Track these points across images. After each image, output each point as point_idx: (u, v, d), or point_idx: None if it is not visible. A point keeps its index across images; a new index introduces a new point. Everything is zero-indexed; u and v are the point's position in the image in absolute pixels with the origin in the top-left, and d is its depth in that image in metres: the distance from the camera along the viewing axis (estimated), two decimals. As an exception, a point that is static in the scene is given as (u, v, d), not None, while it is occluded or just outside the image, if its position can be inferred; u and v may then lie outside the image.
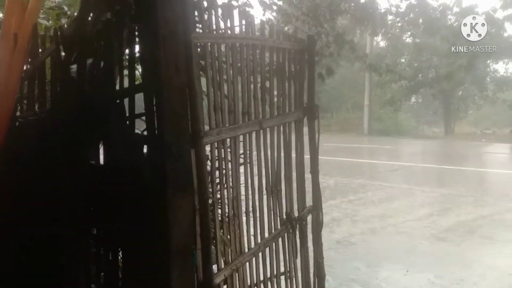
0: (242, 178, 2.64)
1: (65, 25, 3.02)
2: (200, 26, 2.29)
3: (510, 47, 20.06)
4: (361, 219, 7.41)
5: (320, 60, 6.64)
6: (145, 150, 2.12)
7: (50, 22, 3.29)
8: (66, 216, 2.35)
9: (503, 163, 14.45)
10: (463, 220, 7.20)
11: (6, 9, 2.67)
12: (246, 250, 2.63)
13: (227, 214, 2.50)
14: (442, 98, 26.65)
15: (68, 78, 2.38)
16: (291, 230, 3.09)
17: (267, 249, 2.84)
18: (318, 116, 3.37)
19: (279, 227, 2.98)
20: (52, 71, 2.62)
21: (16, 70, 2.64)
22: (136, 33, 2.13)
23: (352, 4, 7.09)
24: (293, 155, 3.20)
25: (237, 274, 2.49)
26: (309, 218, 3.38)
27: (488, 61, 24.35)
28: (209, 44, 2.30)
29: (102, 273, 2.34)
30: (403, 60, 27.42)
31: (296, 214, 3.17)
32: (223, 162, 2.43)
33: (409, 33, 12.37)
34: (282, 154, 3.04)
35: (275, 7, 6.58)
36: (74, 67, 2.36)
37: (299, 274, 3.24)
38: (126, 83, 2.24)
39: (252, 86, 2.72)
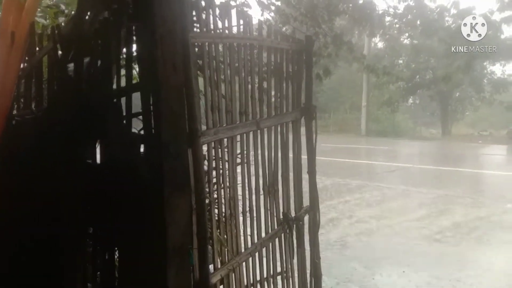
0: (239, 178, 2.64)
1: (63, 24, 3.01)
2: (198, 25, 2.28)
3: (507, 49, 20.13)
4: (358, 220, 7.42)
5: (318, 60, 6.64)
6: (142, 149, 2.12)
7: (48, 20, 3.28)
8: (63, 215, 2.34)
9: (499, 165, 14.50)
10: (460, 221, 7.22)
11: (3, 7, 2.66)
12: (243, 250, 2.63)
13: (224, 214, 2.50)
14: (440, 100, 26.74)
15: (65, 77, 2.38)
16: (288, 230, 3.09)
17: (264, 249, 2.84)
18: (316, 116, 3.37)
19: (276, 227, 2.98)
20: (49, 70, 2.61)
21: (13, 68, 2.63)
22: (134, 32, 2.13)
23: (350, 5, 7.09)
24: (291, 155, 3.20)
25: (233, 274, 2.49)
26: (306, 218, 3.38)
27: (485, 63, 24.46)
28: (206, 43, 2.30)
29: (99, 273, 2.34)
30: (400, 61, 27.50)
31: (293, 214, 3.17)
32: (220, 162, 2.43)
33: (406, 34, 12.41)
34: (280, 154, 3.03)
35: (273, 7, 6.58)
36: (71, 66, 2.35)
37: (296, 274, 3.24)
38: (123, 82, 2.24)
39: (249, 86, 2.72)
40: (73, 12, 2.91)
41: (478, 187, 10.27)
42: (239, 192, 2.64)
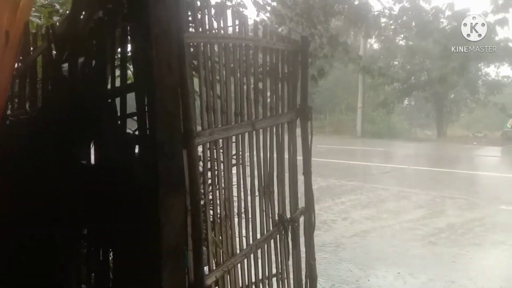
0: (234, 179, 2.63)
1: (57, 23, 2.99)
2: (193, 25, 2.27)
3: (501, 50, 20.22)
4: (354, 221, 7.43)
5: (314, 61, 6.64)
6: (137, 150, 2.11)
7: (42, 20, 3.26)
8: (57, 216, 2.33)
9: (494, 166, 14.57)
10: (454, 223, 7.25)
11: (-3, 6, 2.64)
12: (238, 251, 2.62)
13: (219, 215, 2.49)
14: (435, 101, 26.85)
15: (59, 77, 2.36)
16: (283, 231, 3.08)
17: (259, 251, 2.83)
18: (311, 117, 3.37)
19: (271, 228, 2.97)
20: (43, 70, 2.59)
21: (7, 68, 2.61)
22: (129, 32, 2.12)
23: (346, 6, 7.10)
24: (286, 156, 3.19)
25: (228, 275, 2.48)
26: (302, 219, 3.38)
27: (480, 65, 24.58)
28: (202, 43, 2.29)
29: (93, 274, 2.32)
30: (396, 63, 27.58)
31: (288, 215, 3.17)
32: (216, 162, 2.42)
33: (402, 35, 12.44)
34: (275, 155, 3.03)
35: (268, 8, 6.58)
36: (65, 65, 2.34)
37: (291, 276, 3.24)
38: (118, 82, 2.22)
39: (245, 86, 2.71)
40: (67, 12, 2.89)
41: (472, 188, 10.31)
42: (235, 193, 2.63)
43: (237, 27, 2.61)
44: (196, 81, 2.30)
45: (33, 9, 3.07)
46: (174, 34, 2.03)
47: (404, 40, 20.25)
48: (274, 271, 3.00)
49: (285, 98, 3.18)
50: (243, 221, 2.71)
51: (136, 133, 2.10)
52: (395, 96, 26.48)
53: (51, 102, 2.46)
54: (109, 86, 2.21)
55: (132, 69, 2.21)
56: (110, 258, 2.24)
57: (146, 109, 2.01)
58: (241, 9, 5.55)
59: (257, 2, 6.27)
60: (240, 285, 2.61)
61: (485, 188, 10.48)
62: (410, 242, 6.27)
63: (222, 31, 2.45)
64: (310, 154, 3.40)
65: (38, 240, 2.42)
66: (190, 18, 2.26)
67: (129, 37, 2.13)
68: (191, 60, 2.25)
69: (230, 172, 2.55)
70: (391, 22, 7.58)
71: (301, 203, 3.35)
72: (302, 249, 3.39)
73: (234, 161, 2.65)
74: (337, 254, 5.74)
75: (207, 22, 2.35)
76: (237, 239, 2.63)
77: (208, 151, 2.35)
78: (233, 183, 2.62)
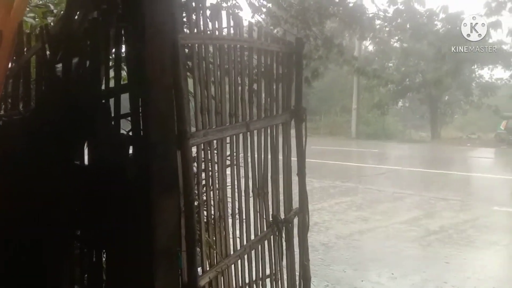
0: (228, 180, 2.63)
1: (51, 24, 2.99)
2: (188, 26, 2.28)
3: (494, 53, 20.33)
4: (348, 222, 7.45)
5: (309, 63, 6.65)
6: (131, 150, 2.11)
7: (36, 20, 3.25)
8: (50, 217, 2.32)
9: (487, 168, 14.64)
10: (448, 224, 7.28)
11: (-9, 6, 2.63)
12: (232, 252, 2.62)
13: (213, 216, 2.49)
14: (429, 103, 26.93)
15: (53, 77, 2.36)
16: (277, 232, 3.09)
17: (253, 252, 2.83)
18: (306, 118, 3.37)
19: (265, 229, 2.98)
20: (37, 70, 2.59)
21: (0, 68, 2.60)
22: (123, 32, 2.12)
23: (341, 8, 7.12)
24: (280, 157, 3.20)
25: (222, 276, 2.48)
26: (296, 220, 3.38)
27: (474, 67, 24.69)
28: (196, 45, 2.29)
29: (86, 274, 2.32)
30: (390, 65, 27.64)
31: (282, 216, 3.17)
32: (210, 163, 2.42)
33: (396, 38, 12.48)
34: (269, 156, 3.03)
35: (264, 9, 6.59)
36: (59, 66, 2.33)
37: (285, 277, 3.24)
38: (112, 83, 2.22)
39: (239, 88, 2.72)
40: (62, 12, 2.88)
41: (466, 189, 10.36)
42: (229, 194, 2.63)
43: (231, 28, 2.61)
44: (190, 82, 2.30)
45: (27, 9, 3.06)
46: (169, 35, 2.03)
47: (398, 42, 20.28)
48: (268, 272, 3.01)
49: (279, 99, 3.18)
50: (237, 222, 2.71)
51: (130, 134, 2.10)
52: (390, 98, 26.54)
53: (45, 102, 2.45)
54: (103, 87, 2.21)
55: (126, 69, 2.21)
56: (103, 259, 2.24)
57: (140, 110, 2.01)
58: (236, 11, 5.56)
59: (252, 4, 6.28)
60: (234, 286, 2.61)
61: (478, 190, 10.54)
62: (404, 243, 6.29)
63: (217, 32, 2.46)
64: (305, 155, 3.41)
65: (31, 241, 2.41)
66: (185, 19, 2.26)
67: (123, 38, 2.13)
68: (186, 61, 2.25)
69: (224, 173, 2.55)
70: (385, 24, 7.61)
71: (295, 204, 3.36)
72: (296, 250, 3.39)
73: (228, 162, 2.65)
74: (331, 255, 5.75)
75: (202, 23, 2.35)
76: (231, 240, 2.63)
77: (202, 152, 2.35)
78: (227, 184, 2.62)
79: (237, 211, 2.70)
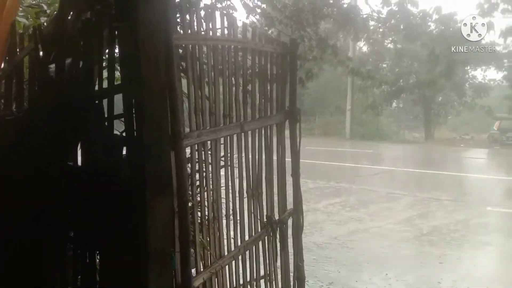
0: (222, 181, 2.63)
1: (44, 24, 2.97)
2: (182, 27, 2.27)
3: (487, 54, 20.47)
4: (342, 223, 7.46)
5: (303, 64, 6.66)
6: (124, 151, 2.10)
7: (29, 20, 3.23)
8: (43, 218, 2.30)
9: (480, 168, 14.73)
10: (441, 224, 7.31)
11: (-16, 6, 2.61)
12: (226, 253, 2.62)
13: (207, 217, 2.48)
14: (423, 104, 27.06)
15: (46, 78, 2.34)
16: (271, 233, 3.09)
17: (247, 252, 2.83)
18: (300, 119, 3.38)
19: (259, 230, 2.97)
20: (30, 70, 2.57)
21: (-7, 68, 2.59)
22: (116, 33, 2.11)
23: (335, 9, 7.13)
24: (275, 158, 3.20)
25: (216, 277, 2.48)
26: (290, 221, 3.38)
27: (467, 68, 24.83)
28: (190, 45, 2.29)
29: (79, 276, 2.31)
30: (384, 65, 27.75)
31: (276, 217, 3.17)
32: (204, 164, 2.41)
33: (390, 39, 12.54)
34: (264, 157, 3.03)
35: (258, 10, 6.58)
36: (52, 66, 2.32)
37: (279, 277, 3.24)
38: (105, 84, 2.21)
39: (233, 88, 2.72)
40: (55, 12, 2.87)
41: (460, 190, 10.41)
42: (223, 195, 2.63)
43: (226, 29, 2.61)
44: (184, 82, 2.29)
45: (20, 9, 3.04)
46: (163, 35, 2.02)
47: (392, 43, 20.37)
48: (262, 272, 3.01)
49: (273, 100, 3.18)
50: (231, 223, 2.71)
51: (124, 134, 2.09)
52: (384, 99, 26.62)
53: (38, 103, 2.43)
54: (96, 87, 2.20)
55: (120, 70, 2.20)
56: (97, 260, 2.23)
57: (134, 111, 2.00)
58: (231, 11, 5.55)
59: (246, 5, 6.28)
60: (228, 287, 2.61)
61: (472, 190, 10.60)
62: (398, 243, 6.31)
63: (211, 33, 2.45)
64: (299, 156, 3.41)
65: (24, 242, 2.39)
66: (178, 20, 2.26)
67: (117, 38, 2.12)
68: (180, 62, 2.25)
69: (219, 173, 2.55)
70: (379, 25, 7.64)
71: (290, 205, 3.36)
72: (290, 250, 3.39)
73: (222, 163, 2.65)
74: (325, 256, 5.75)
75: (195, 24, 2.35)
76: (225, 241, 2.62)
77: (196, 153, 2.34)
78: (222, 185, 2.62)
79: (231, 212, 2.70)
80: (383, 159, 16.90)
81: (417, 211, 8.21)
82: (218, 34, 2.54)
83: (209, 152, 2.47)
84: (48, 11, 3.43)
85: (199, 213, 2.44)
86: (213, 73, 2.50)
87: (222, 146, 2.62)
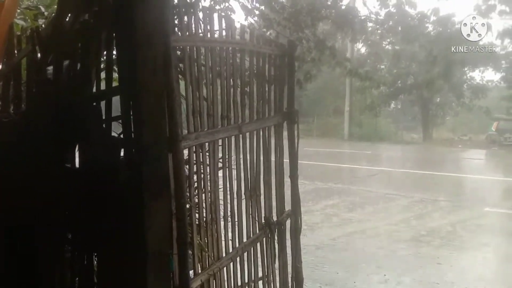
0: (220, 183, 2.63)
1: (42, 26, 2.97)
2: (180, 29, 2.27)
3: (485, 55, 20.52)
4: (340, 224, 7.47)
5: (301, 65, 6.67)
6: (122, 153, 2.10)
7: (27, 22, 3.23)
8: (41, 219, 2.30)
9: (478, 169, 14.75)
10: (439, 225, 7.32)
11: (-19, 8, 2.61)
12: (224, 255, 2.62)
13: (205, 219, 2.48)
14: (421, 104, 27.11)
15: (44, 80, 2.34)
16: (269, 234, 3.09)
17: (245, 254, 2.83)
18: (298, 120, 3.38)
19: (257, 231, 2.97)
20: (28, 72, 2.57)
21: (-9, 70, 2.59)
22: (114, 35, 2.11)
23: (333, 10, 7.15)
24: (273, 159, 3.20)
25: (214, 279, 2.48)
26: (288, 222, 3.38)
27: (465, 69, 24.89)
28: (188, 47, 2.29)
29: (77, 278, 2.30)
30: (382, 67, 27.77)
31: (274, 218, 3.17)
32: (201, 166, 2.41)
33: (388, 40, 12.55)
34: (262, 158, 3.04)
35: (257, 12, 6.59)
36: (50, 68, 2.32)
37: (277, 279, 3.24)
38: (103, 86, 2.21)
39: (231, 90, 2.72)
40: (53, 14, 2.87)
41: (458, 191, 10.44)
42: (221, 196, 2.63)
43: (224, 30, 2.61)
44: (182, 84, 2.29)
45: (18, 11, 3.04)
46: (160, 37, 2.02)
47: (390, 45, 20.41)
48: (260, 274, 3.01)
49: (271, 101, 3.19)
50: (229, 224, 2.71)
51: (121, 136, 2.09)
52: (382, 100, 26.66)
53: (35, 105, 2.43)
54: (94, 89, 2.20)
55: (117, 72, 2.20)
56: (95, 262, 2.22)
57: (131, 113, 2.00)
58: (229, 13, 5.55)
59: (245, 6, 6.28)
60: (226, 288, 2.61)
61: (470, 191, 10.62)
62: (396, 244, 6.32)
63: (209, 35, 2.46)
64: (297, 157, 3.42)
65: (21, 244, 2.39)
66: (176, 22, 2.26)
67: (114, 40, 2.12)
68: (178, 63, 2.25)
69: (216, 175, 2.55)
70: (377, 26, 7.67)
71: (288, 206, 3.36)
72: (288, 252, 3.40)
73: (220, 165, 2.65)
74: (324, 257, 5.76)
75: (193, 25, 2.35)
76: (223, 242, 2.62)
77: (194, 155, 2.34)
78: (219, 187, 2.62)
79: (229, 213, 2.70)
80: (381, 160, 16.93)
81: (415, 212, 8.22)
82: (216, 35, 2.54)
83: (207, 154, 2.47)
84: (46, 13, 3.43)
85: (197, 215, 2.44)
86: (211, 74, 2.51)
87: (220, 147, 2.62)
